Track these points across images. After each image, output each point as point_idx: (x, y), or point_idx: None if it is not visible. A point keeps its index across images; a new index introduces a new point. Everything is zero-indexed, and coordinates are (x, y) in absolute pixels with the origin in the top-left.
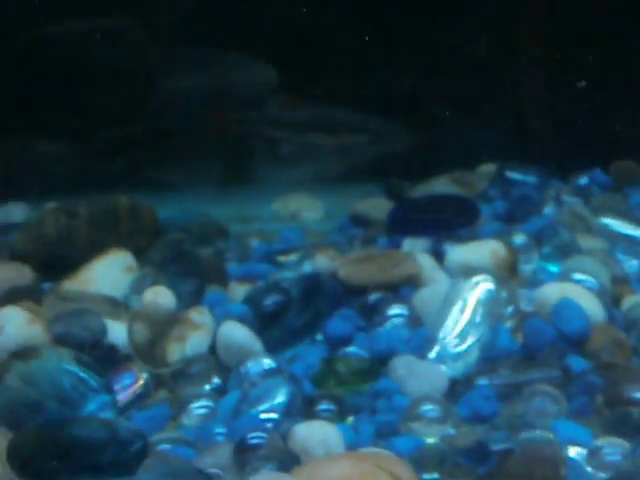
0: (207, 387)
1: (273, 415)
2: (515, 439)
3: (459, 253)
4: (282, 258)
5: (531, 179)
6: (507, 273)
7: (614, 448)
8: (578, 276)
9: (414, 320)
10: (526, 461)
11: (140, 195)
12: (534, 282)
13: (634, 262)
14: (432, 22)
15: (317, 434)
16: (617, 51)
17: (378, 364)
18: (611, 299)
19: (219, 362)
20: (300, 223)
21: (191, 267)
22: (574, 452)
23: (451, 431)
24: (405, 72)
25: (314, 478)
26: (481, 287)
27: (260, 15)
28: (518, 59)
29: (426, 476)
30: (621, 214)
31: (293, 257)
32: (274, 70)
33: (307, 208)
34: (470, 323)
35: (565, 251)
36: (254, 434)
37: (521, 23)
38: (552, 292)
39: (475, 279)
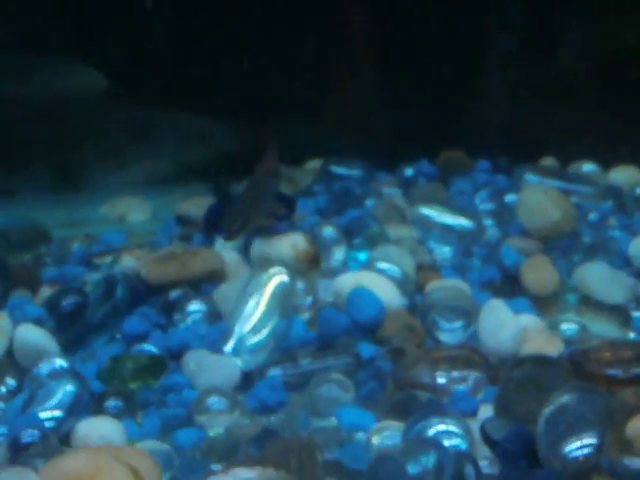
0: (2, 389)
1: (57, 413)
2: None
3: (261, 247)
4: (98, 260)
5: (355, 173)
6: (308, 265)
7: (390, 431)
8: (382, 265)
9: (213, 315)
10: (279, 451)
11: None
12: (339, 273)
13: (446, 249)
14: (259, 24)
15: (98, 429)
16: (440, 43)
17: (167, 360)
18: (415, 286)
19: (16, 364)
20: (127, 225)
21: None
22: (359, 438)
23: (240, 422)
24: (232, 72)
25: (55, 473)
26: (275, 279)
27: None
28: (344, 55)
29: (214, 466)
30: (440, 203)
31: (108, 259)
32: (99, 74)
33: (134, 210)
34: (265, 315)
35: (374, 241)
36: (28, 432)
37: (345, 23)
38: (348, 281)
39: (270, 272)
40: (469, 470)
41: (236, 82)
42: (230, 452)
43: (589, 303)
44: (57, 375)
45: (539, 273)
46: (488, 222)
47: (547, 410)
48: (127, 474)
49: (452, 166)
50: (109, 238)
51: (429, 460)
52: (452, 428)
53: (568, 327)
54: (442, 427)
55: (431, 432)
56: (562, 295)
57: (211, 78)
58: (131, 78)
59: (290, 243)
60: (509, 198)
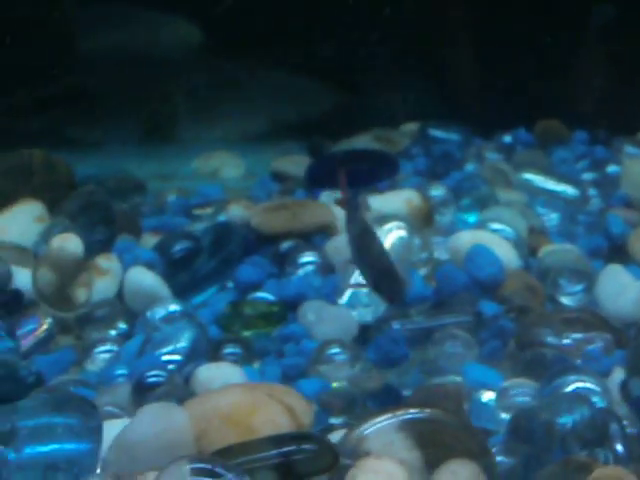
0: (113, 332)
1: (176, 357)
2: (425, 382)
3: (374, 202)
4: (198, 211)
5: (454, 137)
6: (422, 222)
7: (522, 389)
8: (495, 226)
9: (326, 268)
10: (427, 396)
11: (60, 153)
12: (450, 232)
13: (554, 215)
14: None
15: (220, 375)
16: (540, 10)
17: (286, 308)
18: (528, 249)
19: (126, 308)
20: (220, 180)
21: (102, 217)
22: (485, 396)
23: (360, 374)
24: (327, 33)
25: (203, 407)
26: (393, 234)
27: None
28: (440, 20)
29: (332, 419)
30: (543, 170)
31: (209, 210)
32: (196, 28)
33: (228, 166)
34: None
35: (483, 203)
36: (153, 372)
37: None
38: (466, 239)
39: (387, 226)
40: (614, 427)
41: (334, 41)
42: (350, 405)
43: None
44: (175, 319)
45: None
46: (591, 192)
47: None
48: (283, 412)
49: (549, 136)
50: (206, 191)
51: (577, 415)
52: (590, 385)
53: None
54: (580, 384)
55: (569, 389)
56: None
57: (309, 35)
58: (227, 33)
59: (404, 199)
60: (610, 169)
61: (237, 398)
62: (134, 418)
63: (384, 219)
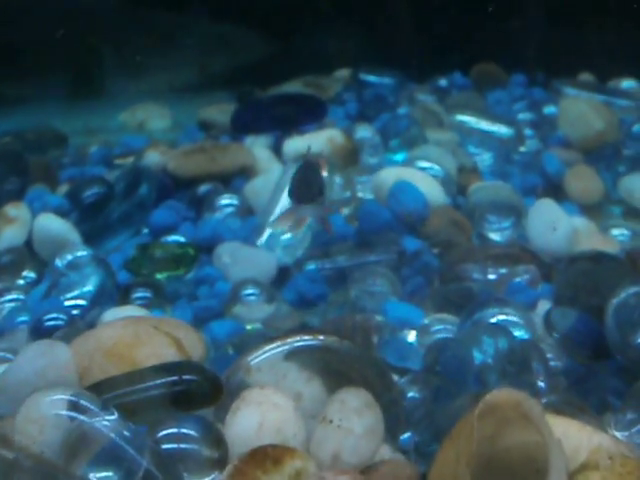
0: (20, 281)
1: (81, 302)
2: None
3: (295, 143)
4: (119, 161)
5: (387, 81)
6: (345, 161)
7: (444, 325)
8: (421, 164)
9: (245, 210)
10: (335, 328)
11: None
12: (376, 171)
13: (487, 155)
14: None
15: None
16: None
17: (199, 250)
18: (457, 187)
19: (35, 256)
20: (147, 132)
21: (14, 167)
22: (409, 336)
23: (275, 315)
24: None
25: (87, 343)
26: None
27: None
28: None
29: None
30: (477, 111)
31: (130, 160)
32: None
33: (154, 117)
34: None
35: (412, 143)
36: (52, 315)
37: None
38: (390, 176)
39: None
40: (535, 359)
41: None
42: None
43: (636, 214)
44: (82, 265)
45: (583, 181)
46: (528, 132)
47: (616, 300)
48: (170, 344)
49: (486, 79)
50: (130, 142)
51: (496, 346)
52: (513, 318)
53: (620, 232)
54: (502, 317)
55: (490, 322)
56: (606, 206)
57: None
58: None
59: (326, 137)
60: (548, 110)
61: (119, 332)
62: (17, 356)
63: (303, 157)
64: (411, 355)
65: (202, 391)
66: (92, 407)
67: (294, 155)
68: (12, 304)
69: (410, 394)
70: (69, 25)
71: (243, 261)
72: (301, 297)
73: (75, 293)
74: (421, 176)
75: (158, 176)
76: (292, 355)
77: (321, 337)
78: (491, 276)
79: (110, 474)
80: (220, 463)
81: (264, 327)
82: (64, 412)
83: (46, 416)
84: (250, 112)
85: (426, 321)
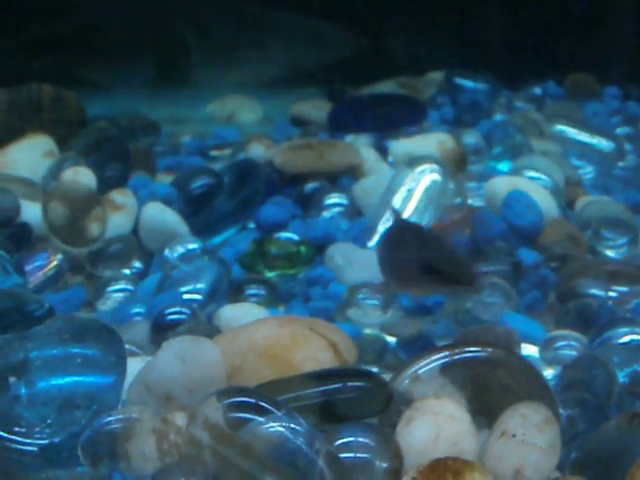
0: (127, 271)
1: (196, 297)
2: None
3: (404, 145)
4: (215, 152)
5: (481, 87)
6: (455, 166)
7: (568, 341)
8: (531, 174)
9: (354, 210)
10: (474, 340)
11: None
12: (484, 178)
13: (589, 168)
14: None
15: (245, 315)
16: None
17: (313, 248)
18: (565, 200)
19: (142, 246)
20: (236, 125)
21: (116, 152)
22: (527, 349)
23: (393, 321)
24: None
25: (236, 342)
26: (427, 177)
27: None
28: None
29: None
30: (576, 122)
31: (227, 152)
32: None
33: (244, 110)
34: (414, 213)
35: (517, 152)
36: (174, 309)
37: None
38: (503, 185)
39: (421, 168)
40: None
41: None
42: (381, 353)
43: None
44: (195, 258)
45: None
46: (627, 147)
47: None
48: (327, 347)
49: (579, 89)
50: (222, 133)
51: (637, 367)
52: None
53: None
54: (634, 337)
55: (621, 342)
56: None
57: None
58: None
59: (437, 140)
60: None
61: (275, 331)
62: (158, 353)
63: (416, 160)
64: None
65: (371, 399)
66: (272, 409)
67: (403, 157)
68: (121, 294)
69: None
70: (158, 11)
71: (356, 263)
72: (418, 304)
73: (189, 287)
74: (532, 186)
75: (266, 171)
76: (451, 367)
77: (489, 349)
78: (611, 293)
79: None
80: (395, 474)
81: (383, 332)
82: (243, 414)
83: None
84: (349, 111)
85: (550, 335)
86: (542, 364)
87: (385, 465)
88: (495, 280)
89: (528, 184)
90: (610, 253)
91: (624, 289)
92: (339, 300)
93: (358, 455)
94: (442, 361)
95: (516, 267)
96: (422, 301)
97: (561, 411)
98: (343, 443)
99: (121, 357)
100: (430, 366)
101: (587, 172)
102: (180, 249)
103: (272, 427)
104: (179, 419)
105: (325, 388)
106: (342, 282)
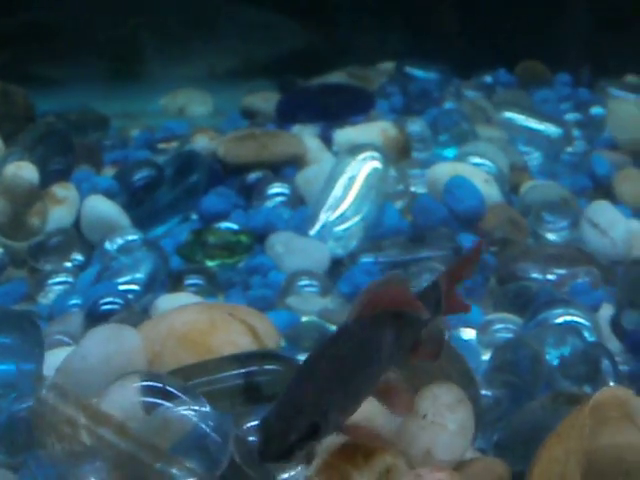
0: (68, 264)
1: (134, 287)
2: None
3: (348, 133)
4: (163, 145)
5: (431, 76)
6: (398, 154)
7: (505, 324)
8: (475, 160)
9: (296, 200)
10: None
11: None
12: (428, 165)
13: (536, 154)
14: None
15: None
16: None
17: (252, 237)
18: (509, 185)
19: (83, 239)
20: (187, 118)
21: (60, 147)
22: (465, 334)
23: (331, 308)
24: None
25: (157, 328)
26: (368, 164)
27: None
28: None
29: (302, 355)
30: (525, 109)
31: (174, 144)
32: None
33: (195, 103)
34: (355, 201)
35: (463, 139)
36: (107, 299)
37: None
38: (444, 171)
39: (362, 156)
40: (606, 363)
41: None
42: (319, 340)
43: None
44: (134, 249)
45: (634, 184)
46: (575, 133)
47: None
48: (246, 332)
49: (530, 77)
50: (171, 126)
51: (567, 348)
52: (579, 319)
53: None
54: (568, 318)
55: (556, 322)
56: None
57: None
58: None
59: (379, 129)
60: (595, 111)
61: (193, 317)
62: (82, 341)
63: (358, 149)
64: (472, 354)
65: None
66: (178, 394)
67: (345, 146)
68: (61, 287)
69: (483, 392)
70: (110, 6)
71: (297, 251)
72: (356, 290)
73: (127, 278)
74: (475, 172)
75: (208, 162)
76: None
77: None
78: (550, 276)
79: (194, 462)
80: (308, 456)
81: (322, 319)
82: (149, 399)
83: (131, 403)
84: (297, 101)
85: (486, 319)
86: (479, 347)
87: None
88: (434, 265)
89: (471, 170)
90: (551, 236)
91: (564, 271)
92: (278, 288)
93: None
94: None
95: (456, 252)
96: (361, 286)
97: (487, 392)
98: (252, 426)
99: (39, 345)
100: None
101: (534, 158)
102: (120, 241)
103: (180, 411)
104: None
105: (240, 371)
106: (282, 270)
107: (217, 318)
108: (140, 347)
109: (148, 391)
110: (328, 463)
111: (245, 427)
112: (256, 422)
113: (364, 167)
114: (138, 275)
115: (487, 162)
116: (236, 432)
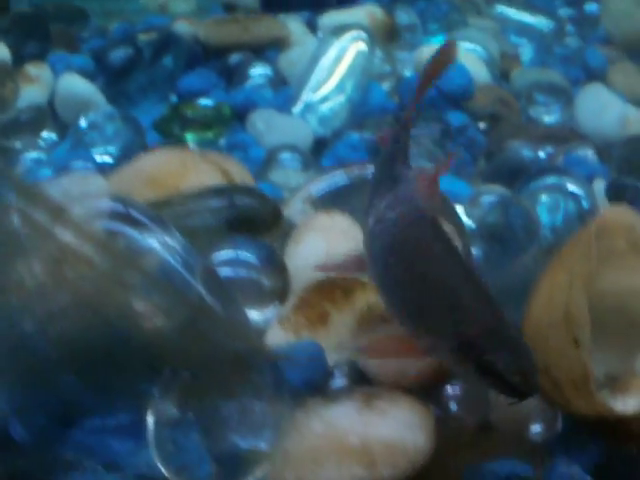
0: (41, 142)
1: (108, 159)
2: None
3: (333, 17)
4: (143, 37)
5: None
6: (385, 37)
7: (495, 196)
8: (465, 44)
9: (279, 81)
10: None
11: None
12: (415, 48)
13: (528, 46)
14: None
15: None
16: None
17: (231, 110)
18: (500, 72)
19: (58, 118)
20: (170, 15)
21: (36, 31)
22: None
23: None
24: None
25: (126, 173)
26: (353, 44)
27: None
28: None
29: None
30: (517, 3)
31: (154, 35)
32: None
33: (177, 0)
34: (340, 81)
35: (452, 28)
36: (78, 163)
37: None
38: (432, 52)
39: (347, 36)
40: None
41: None
42: None
43: None
44: (107, 120)
45: (628, 77)
46: (569, 28)
47: None
48: (217, 173)
49: None
50: (152, 20)
51: (562, 211)
52: (573, 188)
53: None
54: (562, 183)
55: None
56: None
57: None
58: None
59: (366, 12)
60: (589, 7)
61: (163, 159)
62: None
63: (343, 29)
64: None
65: (260, 215)
66: (144, 220)
67: (331, 28)
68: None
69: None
70: None
71: (278, 128)
72: (341, 163)
73: (101, 149)
74: (465, 55)
75: (188, 43)
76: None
77: None
78: (541, 153)
79: (158, 297)
80: (281, 294)
81: None
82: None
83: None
84: None
85: (476, 191)
86: (468, 221)
87: (269, 284)
88: (421, 142)
89: (460, 53)
90: (543, 118)
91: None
92: (259, 164)
93: (240, 273)
94: (339, 183)
95: (444, 131)
96: (345, 161)
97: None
98: (225, 260)
99: None
100: (325, 186)
101: (526, 50)
102: (95, 118)
103: (146, 240)
104: None
105: (211, 204)
106: (263, 147)
107: (188, 160)
108: (105, 191)
109: (113, 215)
110: (304, 300)
111: (216, 260)
112: (228, 256)
113: (350, 47)
114: (111, 147)
115: (477, 47)
116: (205, 264)
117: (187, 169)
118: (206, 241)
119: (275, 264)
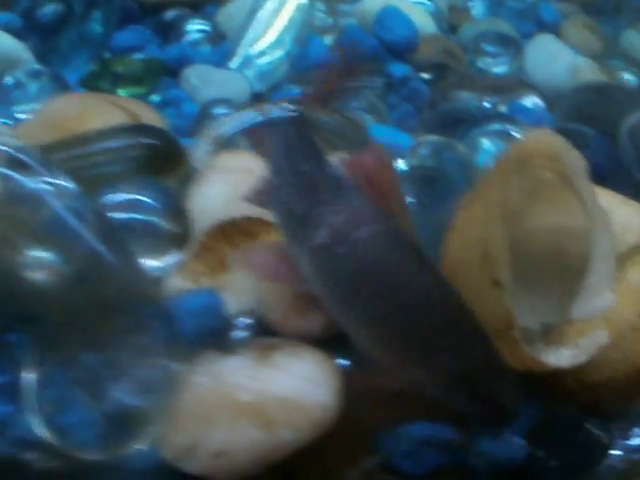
0: None
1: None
2: None
3: None
4: None
5: None
6: None
7: (435, 146)
8: None
9: (218, 37)
10: None
11: None
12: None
13: (479, 1)
14: None
15: None
16: None
17: (162, 66)
18: (448, 25)
19: None
20: None
21: None
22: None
23: None
24: None
25: (31, 121)
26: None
27: None
28: None
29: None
30: None
31: None
32: None
33: None
34: (279, 35)
35: None
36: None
37: None
38: (376, 4)
39: None
40: None
41: None
42: None
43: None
44: (32, 79)
45: (583, 31)
46: None
47: (633, 120)
48: (124, 118)
49: None
50: None
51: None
52: (516, 134)
53: (627, 77)
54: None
55: (490, 137)
56: (607, 59)
57: None
58: None
59: None
60: None
61: (65, 104)
62: None
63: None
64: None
65: (161, 154)
66: (34, 165)
67: None
68: None
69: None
70: None
71: (213, 84)
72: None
73: (25, 107)
74: (410, 6)
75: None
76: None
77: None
78: (487, 104)
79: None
80: (181, 239)
81: None
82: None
83: None
84: None
85: (414, 142)
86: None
87: (169, 228)
88: (362, 94)
89: (405, 4)
90: (492, 69)
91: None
92: (193, 120)
93: (135, 216)
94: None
95: (387, 83)
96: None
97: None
98: (121, 203)
99: None
100: (234, 126)
101: (477, 3)
102: (21, 76)
103: (33, 184)
104: None
105: (110, 144)
106: (197, 103)
107: (93, 105)
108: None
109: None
110: (204, 245)
111: (109, 204)
112: (122, 199)
113: (288, 4)
114: (35, 105)
115: (424, 0)
116: (96, 210)
117: (90, 112)
118: (102, 183)
119: (174, 207)
